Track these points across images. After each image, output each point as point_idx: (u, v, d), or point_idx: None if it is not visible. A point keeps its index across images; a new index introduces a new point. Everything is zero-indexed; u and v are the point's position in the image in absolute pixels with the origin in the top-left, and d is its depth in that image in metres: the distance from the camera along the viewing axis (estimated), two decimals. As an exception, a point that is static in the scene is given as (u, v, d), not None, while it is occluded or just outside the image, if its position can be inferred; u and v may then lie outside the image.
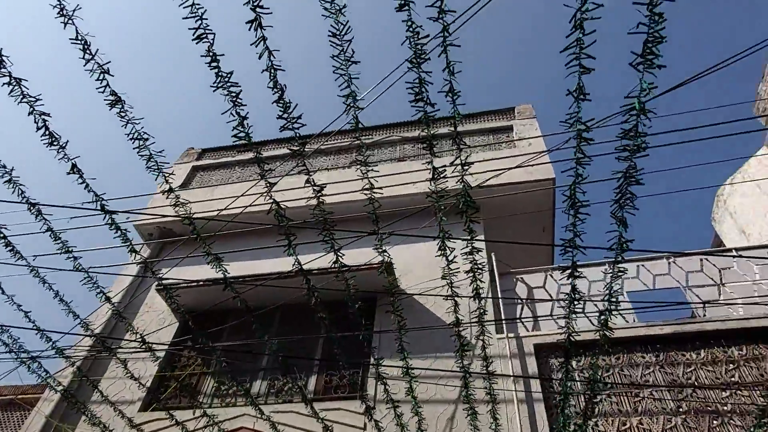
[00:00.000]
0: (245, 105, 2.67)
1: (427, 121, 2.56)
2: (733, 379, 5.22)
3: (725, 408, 4.98)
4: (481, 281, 3.73)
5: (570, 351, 3.54)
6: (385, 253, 3.35)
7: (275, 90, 2.53)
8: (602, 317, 3.16)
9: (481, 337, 4.04)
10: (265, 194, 3.04)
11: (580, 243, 2.87)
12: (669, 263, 6.48)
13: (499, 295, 6.16)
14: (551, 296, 6.22)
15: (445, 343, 5.92)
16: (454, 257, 3.64)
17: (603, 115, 2.75)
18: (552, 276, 6.56)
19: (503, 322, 5.71)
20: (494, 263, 6.41)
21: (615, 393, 5.34)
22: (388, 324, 6.27)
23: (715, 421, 4.89)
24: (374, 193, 3.00)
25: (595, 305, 5.96)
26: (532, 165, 6.77)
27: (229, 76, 2.59)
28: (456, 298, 3.79)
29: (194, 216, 3.38)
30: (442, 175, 2.86)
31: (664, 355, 5.58)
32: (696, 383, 5.26)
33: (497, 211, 7.52)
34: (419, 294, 5.97)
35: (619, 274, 3.03)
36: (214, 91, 2.58)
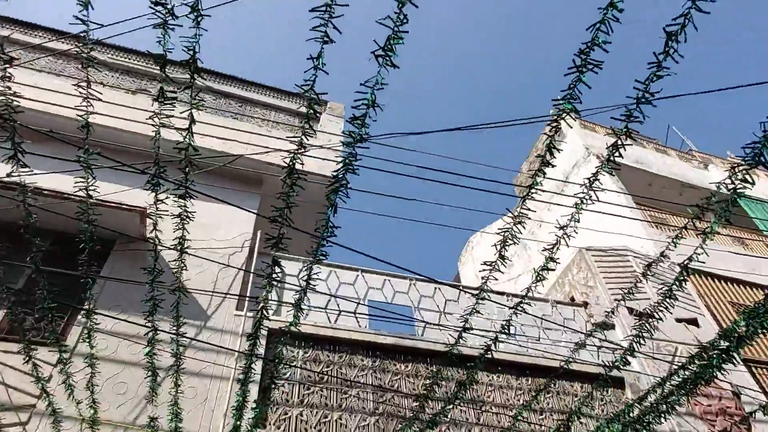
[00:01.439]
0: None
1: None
2: (423, 392, 6.03)
3: (411, 414, 5.71)
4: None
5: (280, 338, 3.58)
6: (160, 203, 2.91)
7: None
8: (296, 311, 3.24)
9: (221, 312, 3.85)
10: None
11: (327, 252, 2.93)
12: (410, 284, 7.22)
13: (252, 272, 6.06)
14: (302, 287, 6.35)
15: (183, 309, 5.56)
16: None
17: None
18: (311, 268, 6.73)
19: (246, 299, 5.61)
20: (257, 240, 6.31)
21: (328, 387, 5.67)
22: (120, 274, 5.62)
23: (399, 425, 5.56)
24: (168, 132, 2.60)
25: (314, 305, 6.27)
26: (324, 159, 6.88)
27: None
28: (212, 261, 3.54)
29: None
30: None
31: (380, 361, 6.17)
32: (396, 390, 5.92)
33: (278, 190, 7.43)
34: (166, 248, 5.48)
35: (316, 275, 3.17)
36: None
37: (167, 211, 2.69)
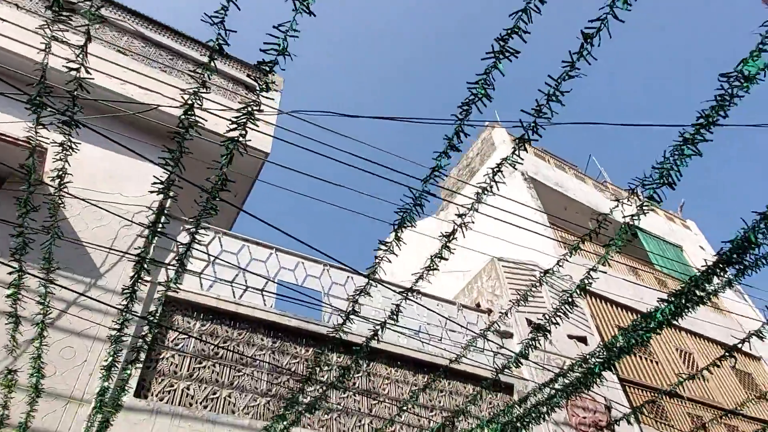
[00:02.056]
0: None
1: None
2: (307, 374, 5.98)
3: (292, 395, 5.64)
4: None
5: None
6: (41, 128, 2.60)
7: None
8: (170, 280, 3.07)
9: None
10: None
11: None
12: (324, 269, 7.14)
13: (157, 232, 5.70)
14: (209, 257, 6.09)
15: (73, 263, 5.13)
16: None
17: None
18: (221, 239, 6.46)
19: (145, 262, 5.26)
20: (168, 202, 5.95)
21: (222, 363, 5.47)
22: (6, 215, 5.09)
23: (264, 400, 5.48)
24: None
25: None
26: (256, 131, 6.61)
27: None
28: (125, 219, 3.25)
29: None
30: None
31: (281, 343, 6.04)
32: (293, 373, 5.82)
33: (204, 155, 7.07)
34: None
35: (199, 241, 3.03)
36: None
37: (49, 139, 2.42)
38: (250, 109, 1.96)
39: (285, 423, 3.45)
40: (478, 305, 8.76)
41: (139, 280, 2.75)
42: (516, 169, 12.39)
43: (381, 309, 7.14)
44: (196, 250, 3.37)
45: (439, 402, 6.75)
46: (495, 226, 9.17)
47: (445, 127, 2.29)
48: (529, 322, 8.34)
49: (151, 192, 2.33)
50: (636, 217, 2.03)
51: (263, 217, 3.41)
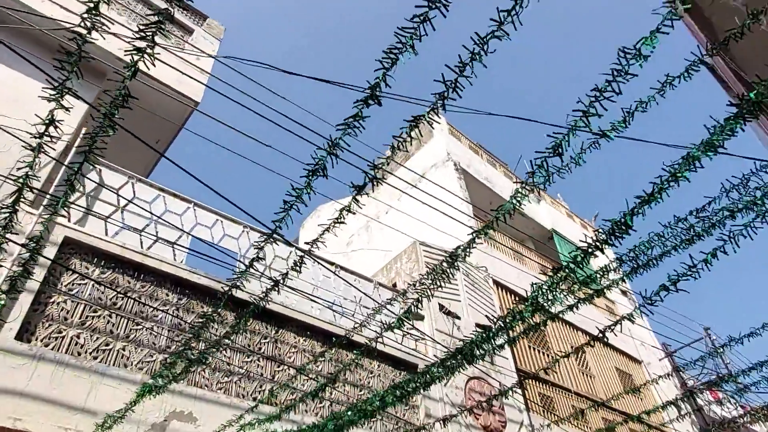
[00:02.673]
0: None
1: None
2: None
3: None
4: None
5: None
6: None
7: None
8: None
9: None
10: None
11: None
12: (244, 230, 6.92)
13: (64, 170, 5.26)
14: (119, 201, 5.70)
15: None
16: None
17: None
18: (134, 186, 6.07)
19: (45, 197, 4.84)
20: (79, 137, 5.49)
21: (119, 314, 5.17)
22: None
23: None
24: None
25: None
26: (190, 76, 6.24)
27: None
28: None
29: None
30: None
31: (188, 300, 5.80)
32: (182, 323, 5.62)
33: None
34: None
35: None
36: None
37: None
38: (158, 21, 1.78)
39: (170, 376, 3.31)
40: (395, 285, 8.89)
41: (19, 202, 2.48)
42: (450, 157, 12.55)
43: (302, 280, 7.04)
44: (107, 189, 3.12)
45: (344, 376, 6.80)
46: (422, 210, 9.31)
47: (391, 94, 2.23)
48: (441, 306, 8.58)
49: (42, 98, 2.07)
50: (526, 195, 2.08)
51: (187, 169, 3.20)
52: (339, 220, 2.06)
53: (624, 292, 16.48)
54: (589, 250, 1.86)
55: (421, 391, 3.79)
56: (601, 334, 2.37)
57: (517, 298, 10.68)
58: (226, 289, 2.33)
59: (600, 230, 1.89)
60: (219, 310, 2.57)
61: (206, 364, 5.33)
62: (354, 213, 2.24)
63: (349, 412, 2.90)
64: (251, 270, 2.51)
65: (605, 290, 2.34)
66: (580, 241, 1.99)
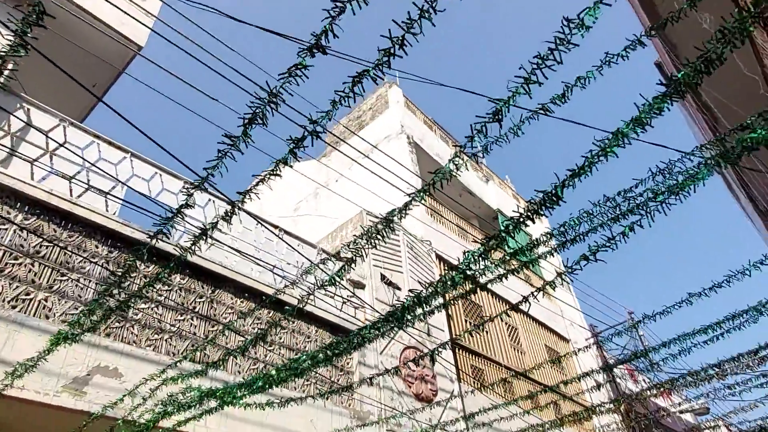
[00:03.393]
0: None
1: None
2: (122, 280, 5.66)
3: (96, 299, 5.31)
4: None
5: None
6: None
7: None
8: None
9: None
10: None
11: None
12: (184, 186, 6.66)
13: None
14: (47, 145, 5.34)
15: None
16: None
17: None
18: (66, 129, 5.69)
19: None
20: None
21: (43, 263, 4.90)
22: None
23: (117, 321, 5.13)
24: None
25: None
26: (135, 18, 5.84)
27: None
28: None
29: None
30: None
31: (119, 254, 5.57)
32: (125, 286, 5.42)
33: (61, 28, 6.10)
34: None
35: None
36: None
37: None
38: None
39: (86, 325, 3.17)
40: (338, 253, 8.88)
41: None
42: (403, 130, 12.52)
43: (244, 242, 6.90)
44: (36, 129, 2.89)
45: (280, 338, 6.79)
46: (371, 181, 9.28)
47: (341, 51, 2.15)
48: (383, 276, 8.67)
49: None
50: (459, 165, 2.09)
51: (125, 117, 3.00)
52: (274, 172, 1.99)
53: (560, 275, 17.21)
54: (521, 219, 1.89)
55: (353, 353, 3.83)
56: (524, 301, 2.44)
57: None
58: (149, 237, 2.21)
59: (532, 201, 1.93)
60: (140, 259, 2.44)
61: (125, 313, 5.16)
62: (291, 166, 2.17)
63: (279, 371, 2.88)
64: (178, 220, 2.40)
65: (535, 262, 2.40)
66: (513, 211, 2.03)
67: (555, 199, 1.76)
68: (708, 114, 7.50)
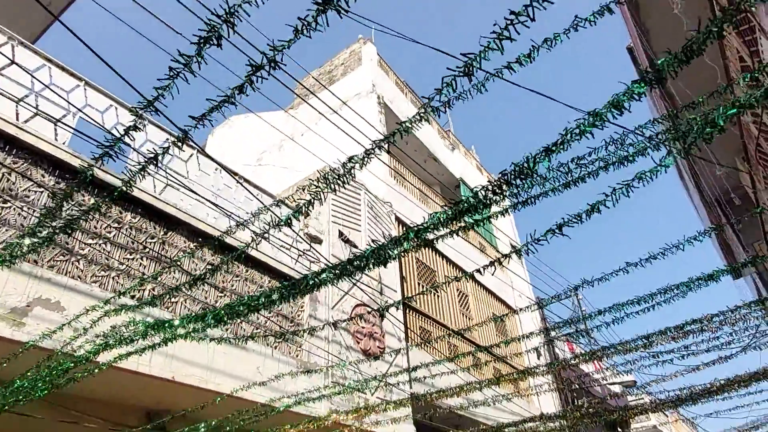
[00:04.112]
0: None
1: None
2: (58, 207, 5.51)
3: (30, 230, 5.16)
4: None
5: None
6: None
7: None
8: None
9: None
10: None
11: None
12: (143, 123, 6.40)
13: None
14: (-7, 62, 4.99)
15: None
16: None
17: None
18: (14, 48, 5.32)
19: None
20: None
21: (-17, 188, 4.67)
22: None
23: (53, 248, 4.98)
24: None
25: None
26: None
27: None
28: None
29: None
30: None
31: (66, 184, 5.34)
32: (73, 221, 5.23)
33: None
34: None
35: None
36: None
37: None
38: None
39: (16, 252, 3.06)
40: (294, 199, 8.82)
41: None
42: (374, 89, 12.36)
43: (201, 186, 6.74)
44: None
45: (232, 285, 6.76)
46: (338, 137, 9.16)
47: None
48: (341, 233, 8.70)
49: None
50: (424, 117, 2.09)
51: (84, 41, 2.80)
52: (229, 100, 1.91)
53: (517, 251, 17.71)
54: (491, 189, 1.92)
55: (305, 302, 3.84)
56: (483, 269, 2.51)
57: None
58: (87, 166, 2.10)
59: (504, 173, 1.95)
60: (82, 183, 2.33)
61: (66, 239, 5.01)
62: (247, 95, 2.11)
63: (230, 306, 2.86)
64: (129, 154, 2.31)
65: (488, 225, 2.45)
66: (483, 185, 2.05)
67: (528, 172, 1.80)
68: (669, 102, 7.74)
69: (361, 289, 8.24)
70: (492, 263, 2.58)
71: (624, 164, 1.93)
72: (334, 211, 8.87)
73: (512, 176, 2.00)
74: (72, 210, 2.39)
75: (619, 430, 22.83)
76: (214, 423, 4.39)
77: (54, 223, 2.69)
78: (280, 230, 2.62)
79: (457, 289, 12.43)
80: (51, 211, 2.60)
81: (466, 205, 2.01)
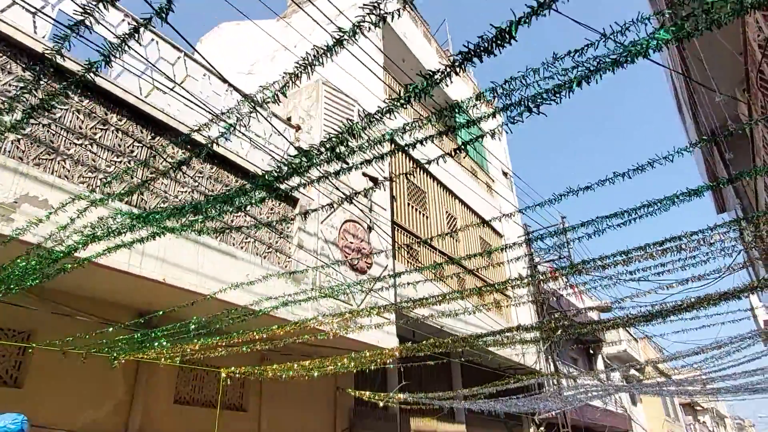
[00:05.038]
0: None
1: None
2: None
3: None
4: None
5: None
6: None
7: None
8: None
9: None
10: None
11: None
12: (124, 20, 6.11)
13: None
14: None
15: None
16: None
17: None
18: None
19: None
20: None
21: (-40, 79, 4.49)
22: None
23: (38, 146, 4.90)
24: None
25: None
26: None
27: None
28: None
29: None
30: None
31: (45, 82, 5.17)
32: (53, 120, 5.12)
33: None
34: None
35: None
36: None
37: None
38: None
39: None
40: (290, 119, 8.66)
41: None
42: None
43: (190, 92, 6.53)
44: None
45: (196, 182, 6.66)
46: (332, 49, 8.82)
47: None
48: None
49: None
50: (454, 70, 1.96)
51: None
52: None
53: (505, 174, 17.76)
54: (467, 57, 1.83)
55: (296, 209, 3.83)
56: (459, 148, 2.46)
57: (405, 157, 11.03)
58: (50, 51, 1.94)
59: (482, 38, 1.82)
60: (50, 67, 2.20)
61: (22, 131, 4.90)
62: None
63: (216, 198, 2.84)
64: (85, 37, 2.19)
65: (475, 123, 2.41)
66: (459, 51, 1.96)
67: (507, 36, 1.68)
68: (684, 68, 7.38)
69: (353, 207, 8.29)
70: (465, 144, 2.55)
71: (622, 65, 1.85)
72: (326, 125, 8.73)
73: (491, 41, 1.82)
74: (44, 95, 2.30)
75: (592, 353, 24.16)
76: (204, 320, 4.56)
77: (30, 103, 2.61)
78: (257, 116, 2.57)
79: (446, 211, 12.56)
80: (21, 95, 2.51)
81: (451, 111, 1.95)
